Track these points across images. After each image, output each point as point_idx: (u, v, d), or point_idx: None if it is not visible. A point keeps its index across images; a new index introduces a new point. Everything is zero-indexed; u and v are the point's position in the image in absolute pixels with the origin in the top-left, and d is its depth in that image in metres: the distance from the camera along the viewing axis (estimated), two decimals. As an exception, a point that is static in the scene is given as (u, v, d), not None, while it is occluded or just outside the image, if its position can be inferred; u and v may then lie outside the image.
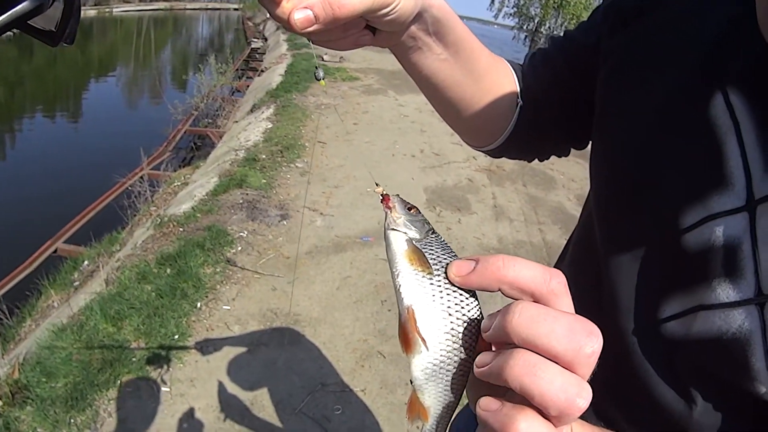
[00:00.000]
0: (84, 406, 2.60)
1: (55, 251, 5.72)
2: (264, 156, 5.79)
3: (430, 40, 0.62)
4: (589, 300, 0.59)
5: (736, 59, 0.49)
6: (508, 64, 0.77)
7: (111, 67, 21.11)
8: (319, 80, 0.56)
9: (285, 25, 0.48)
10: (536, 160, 0.88)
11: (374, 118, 7.62)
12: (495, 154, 0.83)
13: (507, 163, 6.29)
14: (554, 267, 0.77)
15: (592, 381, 0.31)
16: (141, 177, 6.69)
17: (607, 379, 0.58)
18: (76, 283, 4.56)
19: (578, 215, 0.76)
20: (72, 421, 2.56)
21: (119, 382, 2.70)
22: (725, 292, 0.46)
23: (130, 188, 6.42)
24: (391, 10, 0.52)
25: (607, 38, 0.67)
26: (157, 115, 10.00)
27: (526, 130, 0.77)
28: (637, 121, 0.57)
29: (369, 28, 0.56)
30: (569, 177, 6.55)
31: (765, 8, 0.47)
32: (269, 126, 6.89)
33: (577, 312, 0.32)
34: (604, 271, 0.59)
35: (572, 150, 0.85)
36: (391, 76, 11.49)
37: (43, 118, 11.43)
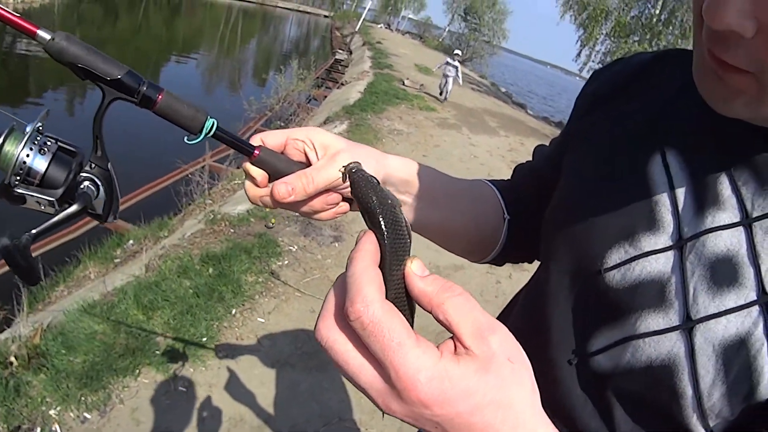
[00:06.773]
0: (98, 387, 2.63)
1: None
2: (329, 172, 5.70)
3: (406, 198, 0.70)
4: (532, 335, 0.61)
5: (680, 120, 0.56)
6: (489, 185, 0.83)
7: (193, 48, 21.49)
8: None
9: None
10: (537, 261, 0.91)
11: (444, 154, 7.49)
12: (495, 263, 0.87)
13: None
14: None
15: None
16: (203, 167, 6.68)
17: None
18: (117, 260, 4.55)
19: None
20: (83, 398, 2.59)
21: (138, 371, 2.69)
22: (655, 321, 0.48)
23: (189, 176, 6.41)
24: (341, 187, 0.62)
25: (575, 121, 0.72)
26: (230, 107, 10.09)
27: (517, 238, 0.81)
28: (585, 168, 0.63)
29: (346, 200, 0.64)
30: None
31: (696, 69, 0.46)
32: (339, 141, 6.84)
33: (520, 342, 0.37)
34: (544, 305, 0.62)
35: None
36: (468, 113, 11.37)
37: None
